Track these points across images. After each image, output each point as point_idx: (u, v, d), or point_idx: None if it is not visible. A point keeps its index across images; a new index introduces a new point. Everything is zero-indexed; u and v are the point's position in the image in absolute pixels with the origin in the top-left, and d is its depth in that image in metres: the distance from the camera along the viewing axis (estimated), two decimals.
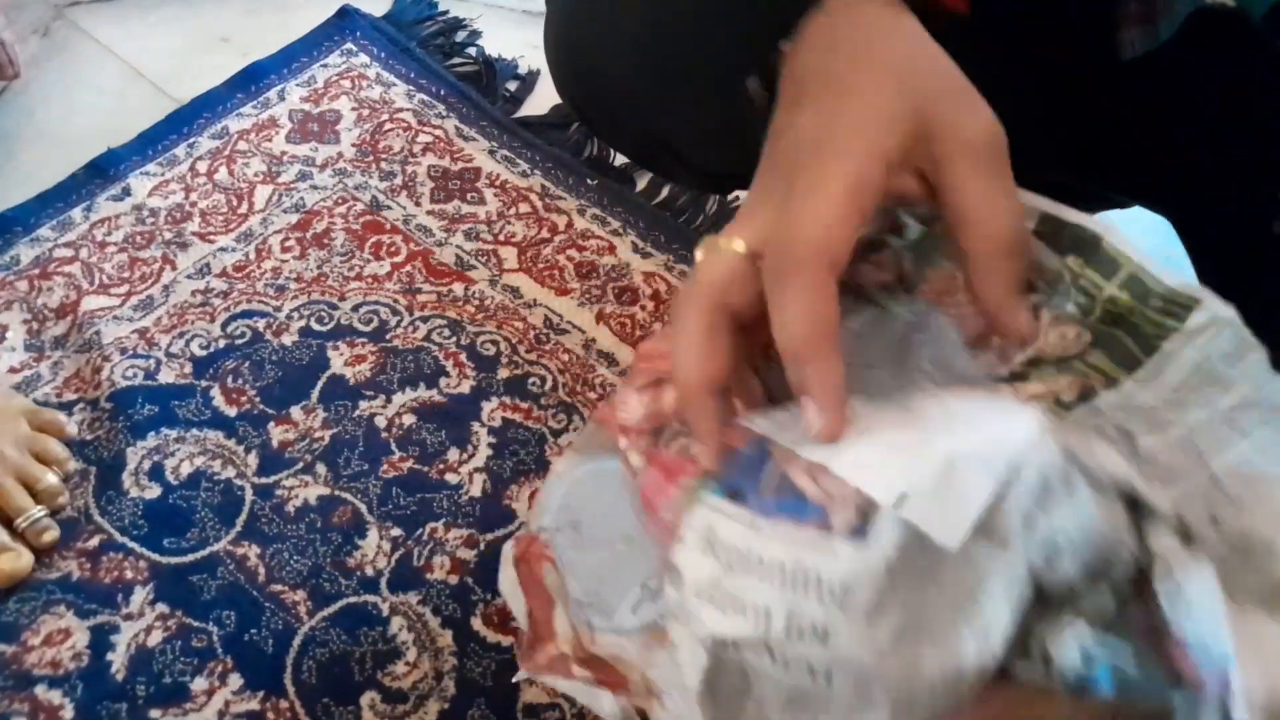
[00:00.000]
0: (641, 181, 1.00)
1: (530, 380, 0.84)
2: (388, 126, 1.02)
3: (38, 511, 0.74)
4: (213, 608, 0.72)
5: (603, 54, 0.59)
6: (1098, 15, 0.53)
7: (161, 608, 0.72)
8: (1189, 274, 0.62)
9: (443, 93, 1.05)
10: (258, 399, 0.83)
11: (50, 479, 0.75)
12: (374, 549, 0.75)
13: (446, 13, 1.14)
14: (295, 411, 0.82)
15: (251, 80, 1.05)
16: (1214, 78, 0.53)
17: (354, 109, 1.03)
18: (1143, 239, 0.94)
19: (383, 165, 0.99)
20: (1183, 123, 0.56)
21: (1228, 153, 0.54)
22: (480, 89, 1.07)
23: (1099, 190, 0.73)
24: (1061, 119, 0.60)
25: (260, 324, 0.87)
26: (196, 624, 0.71)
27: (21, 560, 0.72)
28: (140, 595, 0.72)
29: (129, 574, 0.73)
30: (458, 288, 0.90)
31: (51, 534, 0.74)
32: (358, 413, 0.82)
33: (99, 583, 0.73)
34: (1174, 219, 0.62)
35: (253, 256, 0.92)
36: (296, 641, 0.71)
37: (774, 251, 0.35)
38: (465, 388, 0.84)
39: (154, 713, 0.67)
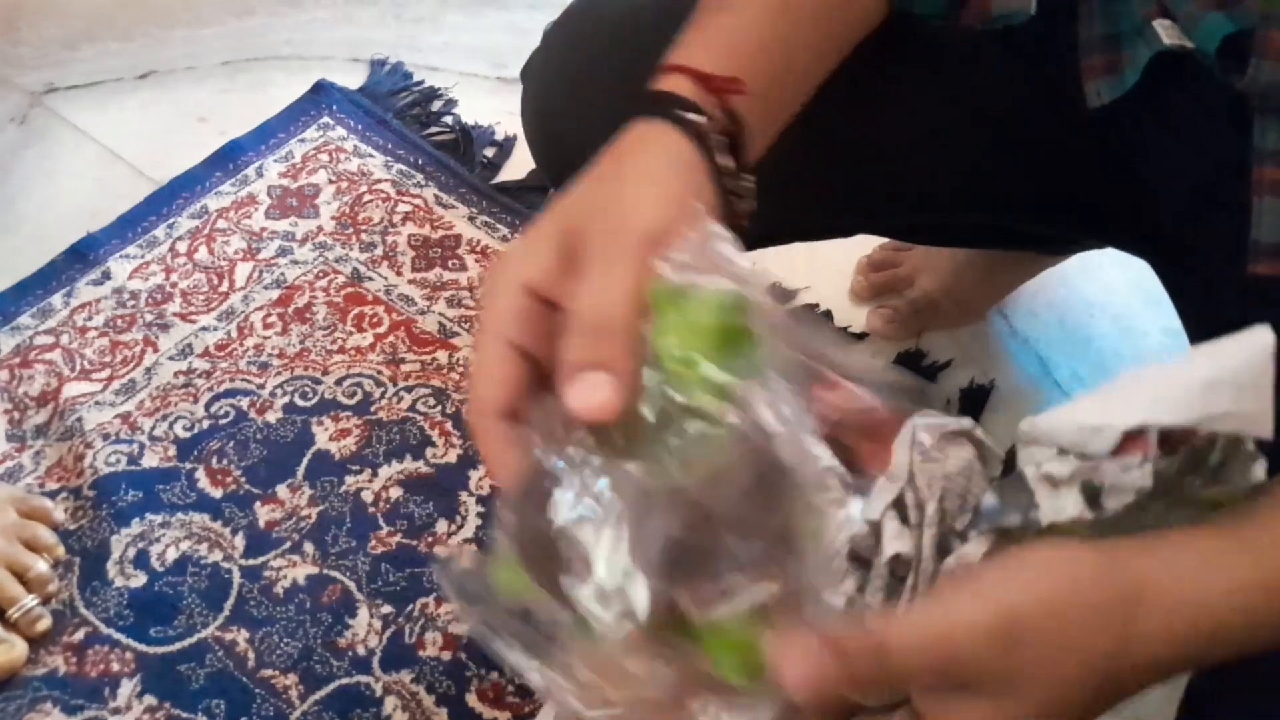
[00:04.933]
0: None
1: None
2: (367, 198, 1.03)
3: (30, 600, 0.73)
4: (202, 697, 0.70)
5: (581, 138, 0.60)
6: (1063, 68, 0.54)
7: (150, 700, 0.70)
8: (1171, 313, 0.62)
9: (421, 162, 1.06)
10: (243, 479, 0.82)
11: (40, 567, 0.74)
12: (365, 628, 0.74)
13: (422, 82, 1.15)
14: (281, 490, 0.81)
15: (229, 158, 1.05)
16: (1179, 122, 0.53)
17: (332, 182, 1.04)
18: (1125, 275, 0.94)
19: (363, 236, 0.99)
20: (1152, 167, 0.56)
21: (1197, 195, 0.54)
22: (458, 157, 1.07)
23: (1075, 237, 0.73)
24: (1034, 170, 0.60)
25: (244, 402, 0.86)
26: (186, 715, 0.70)
27: (15, 650, 0.71)
28: (128, 688, 0.71)
29: (115, 666, 0.72)
30: (441, 355, 0.90)
31: (44, 623, 0.73)
32: (344, 488, 0.81)
33: (85, 677, 0.71)
34: (1152, 261, 0.62)
35: (234, 334, 0.91)
36: None
37: (597, 226, 0.37)
38: (452, 456, 0.83)
39: None
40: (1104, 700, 0.35)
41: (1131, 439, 0.34)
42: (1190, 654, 0.36)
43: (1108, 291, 0.93)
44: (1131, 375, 0.36)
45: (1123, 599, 0.34)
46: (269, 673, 0.72)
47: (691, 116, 0.42)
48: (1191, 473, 0.35)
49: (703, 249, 0.37)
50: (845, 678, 0.32)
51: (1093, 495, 0.35)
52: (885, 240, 0.94)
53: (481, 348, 0.38)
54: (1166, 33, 0.48)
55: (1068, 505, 0.35)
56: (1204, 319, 0.58)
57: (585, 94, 0.60)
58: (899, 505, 0.36)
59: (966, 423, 0.38)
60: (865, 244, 0.95)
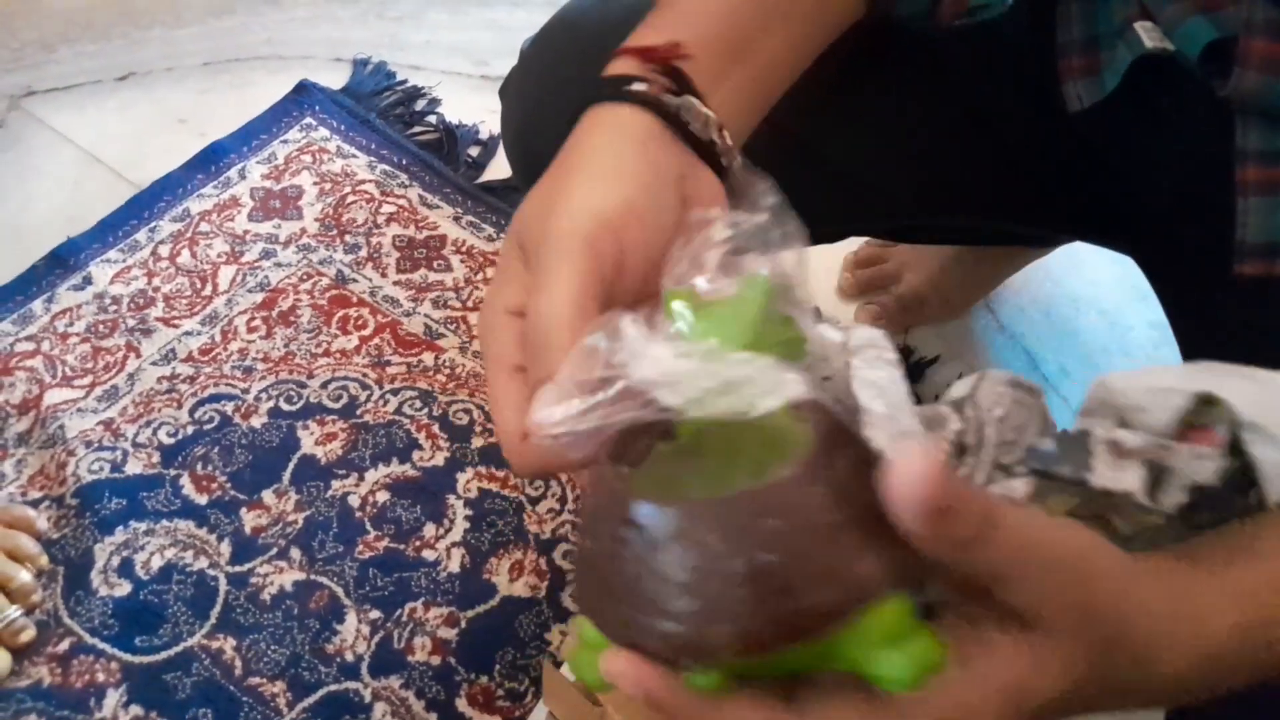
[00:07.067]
0: None
1: None
2: (350, 199, 1.02)
3: (13, 611, 0.72)
4: (188, 707, 0.70)
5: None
6: (1046, 70, 0.53)
7: (136, 710, 0.70)
8: (1157, 308, 0.62)
9: (405, 162, 1.05)
10: (229, 485, 0.81)
11: (23, 577, 0.74)
12: (353, 633, 0.73)
13: (405, 82, 1.14)
14: (267, 495, 0.80)
15: (211, 160, 1.04)
16: (1162, 123, 0.53)
17: (316, 183, 1.03)
18: (1111, 269, 0.94)
19: (347, 238, 0.98)
20: (1137, 167, 0.56)
21: (1182, 194, 0.54)
22: (442, 156, 1.07)
23: (1060, 236, 0.73)
24: (1020, 171, 0.60)
25: (228, 407, 0.86)
26: None
27: None
28: (113, 698, 0.70)
29: (101, 677, 0.71)
30: (428, 357, 0.89)
31: (28, 633, 0.72)
32: (330, 493, 0.80)
33: (70, 688, 0.71)
34: (1138, 259, 0.62)
35: (218, 339, 0.90)
36: None
37: (538, 232, 0.37)
38: (439, 459, 0.83)
39: None
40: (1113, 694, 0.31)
41: (1199, 432, 0.33)
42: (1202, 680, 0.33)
43: (1094, 286, 0.93)
44: (1223, 366, 0.34)
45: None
46: (256, 680, 0.71)
47: (635, 88, 0.41)
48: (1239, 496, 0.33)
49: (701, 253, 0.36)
50: (947, 510, 0.27)
51: (1154, 477, 0.33)
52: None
53: (492, 385, 0.37)
54: (1148, 36, 0.48)
55: (1127, 478, 0.33)
56: (1191, 316, 0.58)
57: (565, 111, 0.59)
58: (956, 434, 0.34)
59: (1036, 387, 0.36)
60: (851, 241, 0.95)
